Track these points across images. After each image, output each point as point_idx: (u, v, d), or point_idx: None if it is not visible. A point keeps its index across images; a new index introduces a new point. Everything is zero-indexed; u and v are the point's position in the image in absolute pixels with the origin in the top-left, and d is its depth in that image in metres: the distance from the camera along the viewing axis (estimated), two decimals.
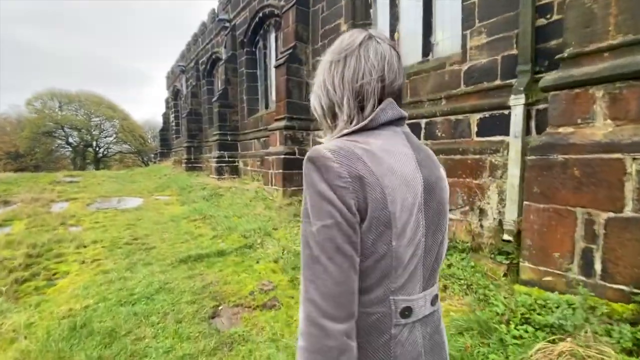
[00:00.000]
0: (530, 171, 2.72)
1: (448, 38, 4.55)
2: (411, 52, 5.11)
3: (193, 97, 13.95)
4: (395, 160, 0.65)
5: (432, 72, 4.41)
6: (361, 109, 0.68)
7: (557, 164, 2.53)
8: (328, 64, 0.72)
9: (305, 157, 0.63)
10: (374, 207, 0.59)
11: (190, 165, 13.77)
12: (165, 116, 21.49)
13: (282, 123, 6.61)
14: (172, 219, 5.58)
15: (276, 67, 6.92)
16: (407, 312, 0.66)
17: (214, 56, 12.31)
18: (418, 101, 4.56)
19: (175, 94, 19.41)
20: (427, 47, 4.80)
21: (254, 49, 9.75)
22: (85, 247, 4.09)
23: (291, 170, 6.51)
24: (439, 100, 4.30)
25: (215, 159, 9.99)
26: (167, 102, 21.48)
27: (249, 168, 9.60)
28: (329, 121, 0.74)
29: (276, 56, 8.72)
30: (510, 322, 2.37)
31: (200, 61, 13.74)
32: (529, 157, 2.74)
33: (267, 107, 9.48)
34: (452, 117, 4.10)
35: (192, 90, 13.96)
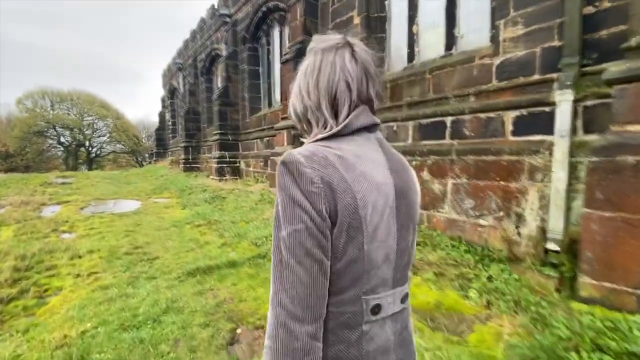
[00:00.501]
0: (591, 175, 2.41)
1: (475, 30, 4.24)
2: (431, 46, 4.80)
3: (191, 96, 13.52)
4: (367, 165, 0.66)
5: (458, 66, 4.09)
6: (335, 115, 0.69)
7: (628, 166, 2.22)
8: (304, 68, 0.73)
9: (279, 161, 0.63)
10: (345, 212, 0.61)
11: (188, 165, 13.33)
12: (161, 115, 20.97)
13: (290, 122, 6.25)
14: (175, 224, 5.19)
15: (283, 62, 6.56)
16: (376, 309, 0.68)
17: (213, 53, 11.89)
18: (442, 98, 4.25)
19: (171, 93, 18.91)
20: (451, 40, 4.49)
21: (256, 45, 9.38)
22: (80, 257, 3.69)
23: None
24: (467, 97, 3.98)
25: (216, 160, 9.59)
26: (163, 100, 20.96)
27: (251, 169, 9.22)
28: (304, 126, 0.75)
29: (281, 52, 8.37)
30: (580, 348, 2.06)
31: (198, 58, 13.31)
32: (591, 159, 2.43)
33: (270, 105, 9.11)
34: (483, 115, 3.78)
35: (190, 88, 13.52)
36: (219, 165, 9.57)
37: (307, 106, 0.72)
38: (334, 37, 0.71)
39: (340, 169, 0.62)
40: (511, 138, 3.53)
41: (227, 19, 9.86)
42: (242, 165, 9.78)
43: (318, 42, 0.73)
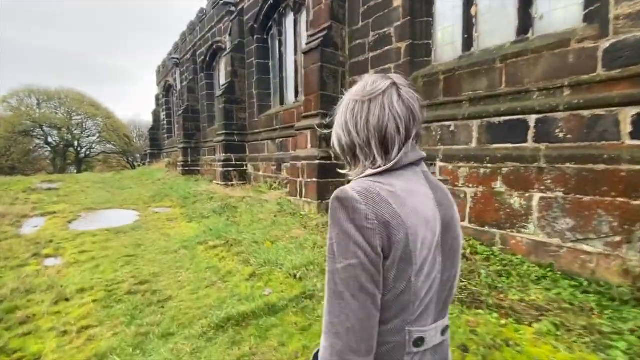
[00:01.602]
0: None
1: (561, 8, 3.45)
2: (497, 30, 4.00)
3: (189, 93, 12.53)
4: (417, 200, 0.69)
5: (544, 52, 3.30)
6: (385, 152, 0.72)
7: None
8: (352, 104, 0.74)
9: (333, 196, 0.66)
10: (397, 247, 0.63)
11: (187, 168, 12.35)
12: (156, 114, 19.87)
13: (315, 121, 5.40)
14: (184, 244, 4.29)
15: (305, 52, 5.69)
16: (419, 342, 0.69)
17: (215, 46, 10.95)
18: (521, 91, 3.45)
19: (167, 90, 17.85)
20: (526, 21, 3.69)
21: (265, 36, 8.48)
22: (67, 300, 2.78)
23: (327, 179, 5.31)
24: (559, 90, 3.19)
25: (221, 163, 8.67)
26: (157, 98, 19.85)
27: (260, 173, 8.33)
28: (348, 158, 0.79)
29: (295, 43, 7.50)
30: None
31: (198, 52, 12.34)
32: None
33: (282, 102, 8.24)
34: (585, 112, 2.99)
35: (189, 85, 12.53)
36: (225, 169, 8.66)
37: (355, 142, 0.74)
38: (380, 82, 0.73)
39: (394, 205, 0.64)
40: (630, 142, 2.75)
41: (232, 8, 8.94)
42: (250, 169, 8.88)
43: (364, 88, 0.74)
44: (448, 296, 0.77)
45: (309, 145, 5.52)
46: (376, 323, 0.63)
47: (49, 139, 31.33)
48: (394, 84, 0.74)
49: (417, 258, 0.65)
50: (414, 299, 0.66)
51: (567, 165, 3.03)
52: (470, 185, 3.78)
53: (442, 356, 0.76)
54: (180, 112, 12.64)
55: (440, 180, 4.08)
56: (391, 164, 0.70)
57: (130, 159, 38.79)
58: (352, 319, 0.61)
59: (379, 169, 0.70)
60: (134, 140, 41.59)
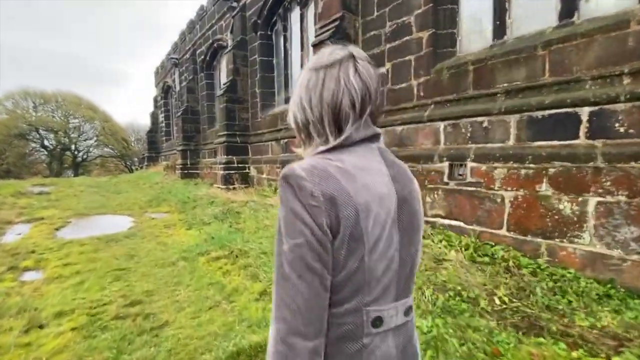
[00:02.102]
0: None
1: None
2: (534, 15, 3.58)
3: (189, 93, 12.11)
4: (368, 176, 0.66)
5: (596, 36, 2.88)
6: (338, 129, 0.69)
7: None
8: (306, 76, 0.72)
9: (280, 175, 0.64)
10: (346, 224, 0.60)
11: (186, 171, 11.88)
12: (154, 116, 19.42)
13: None
14: (183, 255, 3.81)
15: (315, 45, 5.28)
16: (377, 322, 0.67)
17: (215, 44, 10.55)
18: (570, 81, 3.02)
19: (165, 91, 17.43)
20: (570, 4, 3.28)
21: (269, 33, 8.08)
22: (41, 327, 2.30)
23: None
24: (617, 78, 2.76)
25: (223, 165, 8.21)
26: (155, 100, 19.43)
27: (264, 176, 7.87)
28: (303, 136, 0.75)
29: (302, 39, 7.10)
30: None
31: (198, 52, 11.93)
32: None
33: (287, 101, 7.80)
34: None
35: (188, 85, 12.11)
36: (226, 172, 8.19)
37: (308, 119, 0.70)
38: (338, 52, 0.70)
39: (342, 181, 0.62)
40: None
41: (234, 4, 8.55)
42: (253, 172, 8.42)
43: (320, 58, 0.71)
44: (410, 275, 0.74)
45: None
46: (325, 304, 0.61)
47: (45, 142, 30.88)
48: (352, 56, 0.70)
49: (369, 235, 0.63)
50: (368, 278, 0.64)
51: (632, 164, 2.59)
52: (509, 189, 3.34)
53: (405, 338, 0.74)
54: (179, 114, 12.21)
55: (472, 182, 3.64)
56: (341, 139, 0.68)
57: (128, 163, 38.40)
58: (298, 301, 0.59)
59: (330, 145, 0.68)
60: (132, 144, 41.29)
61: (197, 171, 12.11)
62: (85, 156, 35.86)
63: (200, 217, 5.64)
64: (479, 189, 3.59)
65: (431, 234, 3.89)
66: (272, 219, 5.03)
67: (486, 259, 3.22)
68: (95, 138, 35.57)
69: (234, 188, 8.07)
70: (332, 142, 0.68)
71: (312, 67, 0.71)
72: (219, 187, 8.31)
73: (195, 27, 11.94)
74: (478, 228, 3.61)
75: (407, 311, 0.73)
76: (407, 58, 4.54)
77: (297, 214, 0.59)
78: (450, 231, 3.86)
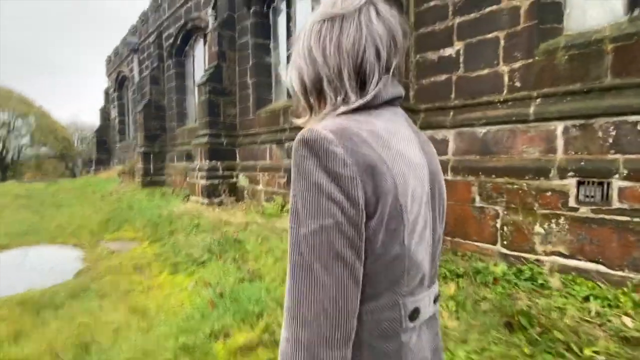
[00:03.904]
0: None
1: None
2: None
3: (153, 84, 10.02)
4: (401, 143, 0.56)
5: None
6: (361, 86, 0.57)
7: None
8: (317, 26, 0.57)
9: (297, 139, 0.50)
10: (385, 200, 0.49)
11: (149, 179, 9.76)
12: (105, 112, 16.57)
13: None
14: (183, 340, 2.17)
15: None
16: (415, 313, 0.57)
17: (189, 25, 8.70)
18: None
19: (120, 83, 14.84)
20: None
21: (266, 10, 6.55)
22: None
23: None
24: None
25: (205, 173, 6.46)
26: (107, 93, 16.62)
27: (260, 188, 6.28)
28: (311, 99, 0.61)
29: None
30: None
31: (165, 35, 9.93)
32: None
33: (290, 95, 6.32)
34: None
35: (152, 74, 10.02)
36: (209, 181, 6.46)
37: (321, 74, 0.56)
38: None
39: (376, 148, 0.51)
40: None
41: None
42: (243, 181, 6.77)
43: (332, 6, 0.56)
44: (437, 258, 0.64)
45: None
46: (356, 302, 0.49)
47: None
48: (371, 1, 0.56)
49: (408, 214, 0.52)
50: (409, 266, 0.54)
51: None
52: None
53: (434, 330, 0.64)
54: (140, 108, 10.05)
55: (625, 209, 2.52)
56: (369, 96, 0.55)
57: (70, 165, 33.99)
58: (323, 298, 0.46)
59: (354, 105, 0.55)
60: (75, 143, 37.12)
61: (163, 178, 10.04)
62: (15, 156, 31.18)
63: (186, 251, 3.95)
64: (635, 219, 2.48)
65: (546, 280, 2.71)
66: None
67: None
68: (29, 136, 31.26)
69: (221, 202, 6.37)
70: (357, 101, 0.55)
71: (321, 18, 0.56)
72: (199, 201, 6.54)
73: (163, 5, 9.92)
74: (635, 275, 2.49)
75: (436, 299, 0.64)
76: (491, 35, 3.36)
77: (322, 188, 0.46)
78: (579, 276, 2.71)
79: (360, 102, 0.54)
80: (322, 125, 0.50)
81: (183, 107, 9.76)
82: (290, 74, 0.62)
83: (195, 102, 9.51)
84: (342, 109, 0.55)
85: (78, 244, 4.52)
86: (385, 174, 0.49)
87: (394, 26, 0.56)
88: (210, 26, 7.20)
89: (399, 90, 0.60)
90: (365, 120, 0.53)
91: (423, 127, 3.79)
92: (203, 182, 6.50)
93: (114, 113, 15.70)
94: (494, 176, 3.21)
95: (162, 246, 4.24)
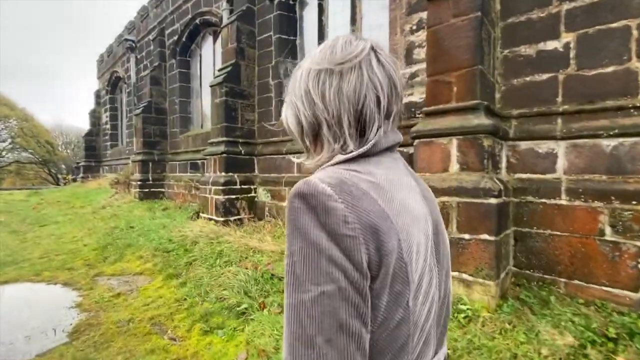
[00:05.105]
0: None
1: None
2: None
3: (154, 85, 9.08)
4: (404, 193, 0.52)
5: None
6: (360, 133, 0.55)
7: None
8: (314, 71, 0.54)
9: (292, 192, 0.47)
10: (389, 260, 0.45)
11: (147, 190, 8.75)
12: (95, 115, 15.39)
13: (468, 118, 2.85)
14: None
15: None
16: None
17: (198, 20, 7.87)
18: None
19: (113, 84, 13.77)
20: None
21: (292, 1, 5.79)
22: None
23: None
24: None
25: (220, 188, 5.56)
26: (97, 95, 15.48)
27: (284, 204, 5.42)
28: (307, 142, 0.59)
29: (353, 4, 4.96)
30: None
31: (168, 31, 9.05)
32: None
33: None
34: None
35: (153, 74, 9.09)
36: (226, 196, 5.56)
37: (320, 118, 0.54)
38: (358, 45, 0.53)
39: (379, 200, 0.47)
40: None
41: None
42: (263, 197, 5.90)
43: (331, 54, 0.53)
44: (446, 317, 0.59)
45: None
46: None
47: None
48: (374, 48, 0.54)
49: (413, 273, 0.48)
50: (413, 331, 0.48)
51: None
52: None
53: None
54: (138, 111, 9.07)
55: None
56: (369, 144, 0.53)
57: (53, 171, 32.27)
58: None
59: (352, 154, 0.52)
60: (59, 148, 35.50)
61: (163, 189, 9.04)
62: None
63: (215, 293, 3.06)
64: None
65: None
66: None
67: None
68: (10, 140, 29.72)
69: (240, 221, 5.48)
70: (356, 150, 0.53)
71: (319, 66, 0.53)
72: (212, 219, 5.62)
73: None
74: None
75: None
76: (617, 25, 2.66)
77: (321, 249, 0.42)
78: None
79: (360, 151, 0.52)
80: (319, 176, 0.47)
81: (187, 111, 8.85)
82: (285, 113, 0.59)
83: (201, 106, 8.64)
84: (340, 157, 0.53)
85: (70, 281, 3.55)
86: (389, 230, 0.45)
87: (394, 73, 0.54)
88: (225, 21, 6.37)
89: (398, 137, 0.58)
90: (364, 170, 0.51)
91: (517, 138, 3.06)
92: (218, 197, 5.59)
93: (105, 117, 14.57)
94: (634, 202, 2.48)
95: (182, 285, 3.32)
